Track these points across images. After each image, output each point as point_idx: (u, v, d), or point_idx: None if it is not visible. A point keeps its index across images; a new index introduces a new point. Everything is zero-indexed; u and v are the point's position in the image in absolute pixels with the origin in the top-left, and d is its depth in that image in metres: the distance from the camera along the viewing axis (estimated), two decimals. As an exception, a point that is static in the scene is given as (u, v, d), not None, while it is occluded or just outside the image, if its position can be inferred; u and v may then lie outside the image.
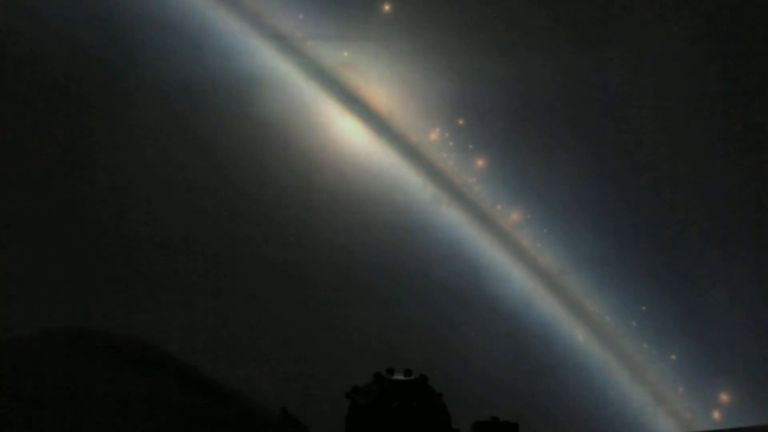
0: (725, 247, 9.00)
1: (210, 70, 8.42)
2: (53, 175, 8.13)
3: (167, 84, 8.30)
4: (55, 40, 7.94)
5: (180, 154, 8.58)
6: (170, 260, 8.67)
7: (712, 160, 9.13)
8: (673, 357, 9.34)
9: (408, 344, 8.61)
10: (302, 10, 8.63)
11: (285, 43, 8.63)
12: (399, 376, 3.43)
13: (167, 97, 8.39)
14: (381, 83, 8.94)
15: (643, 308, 9.28)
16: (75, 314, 7.01)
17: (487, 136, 9.25)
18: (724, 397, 9.06)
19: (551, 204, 9.38)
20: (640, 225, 9.28)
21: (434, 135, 9.14)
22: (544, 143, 9.68)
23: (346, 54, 8.70)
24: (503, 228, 9.37)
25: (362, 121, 8.98)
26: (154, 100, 8.38)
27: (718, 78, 8.95)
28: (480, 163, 9.32)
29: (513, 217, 9.45)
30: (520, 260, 9.40)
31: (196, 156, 8.63)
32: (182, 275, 8.47)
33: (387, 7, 8.75)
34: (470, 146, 9.32)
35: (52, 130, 8.30)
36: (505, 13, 9.00)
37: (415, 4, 8.89)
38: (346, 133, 9.04)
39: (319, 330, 8.61)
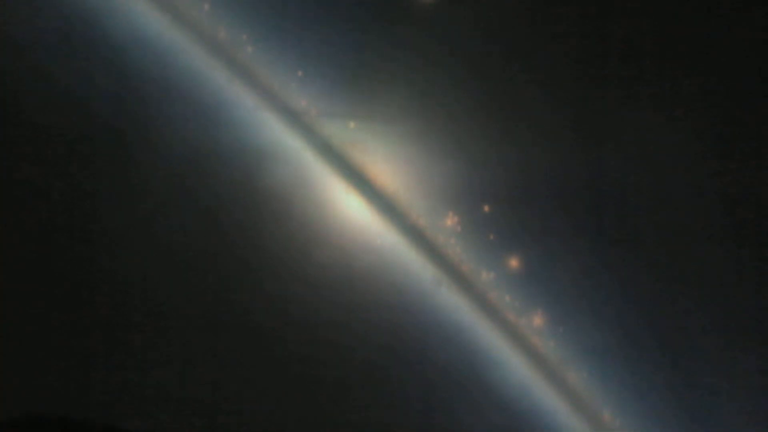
0: (728, 339, 8.94)
1: (219, 141, 8.49)
2: (53, 236, 8.09)
3: (175, 152, 8.35)
4: (64, 102, 8.02)
5: (182, 221, 8.57)
6: (164, 326, 8.53)
7: (713, 251, 9.17)
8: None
9: (405, 428, 8.40)
10: (315, 87, 8.79)
11: (295, 119, 8.75)
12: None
13: (174, 165, 8.43)
14: (387, 163, 9.03)
15: (644, 402, 9.12)
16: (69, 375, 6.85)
17: (487, 221, 9.30)
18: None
19: (553, 292, 9.35)
20: (642, 315, 9.23)
21: (449, 220, 9.19)
22: (544, 231, 9.73)
23: (352, 125, 8.81)
24: (503, 313, 9.31)
25: (367, 200, 9.02)
26: (161, 167, 8.42)
27: (720, 174, 9.11)
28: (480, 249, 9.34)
29: (506, 299, 9.40)
30: (520, 347, 9.29)
31: (198, 225, 8.61)
32: (175, 343, 8.32)
33: (396, 89, 8.94)
34: (465, 230, 9.35)
35: (55, 191, 8.30)
36: (508, 98, 9.21)
37: (423, 88, 9.08)
38: (350, 210, 9.06)
39: (314, 407, 8.41)
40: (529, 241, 9.54)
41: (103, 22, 8.00)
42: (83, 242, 8.40)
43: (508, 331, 9.36)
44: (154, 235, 8.50)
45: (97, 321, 8.34)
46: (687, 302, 9.50)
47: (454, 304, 9.30)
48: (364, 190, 9.04)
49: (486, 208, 9.41)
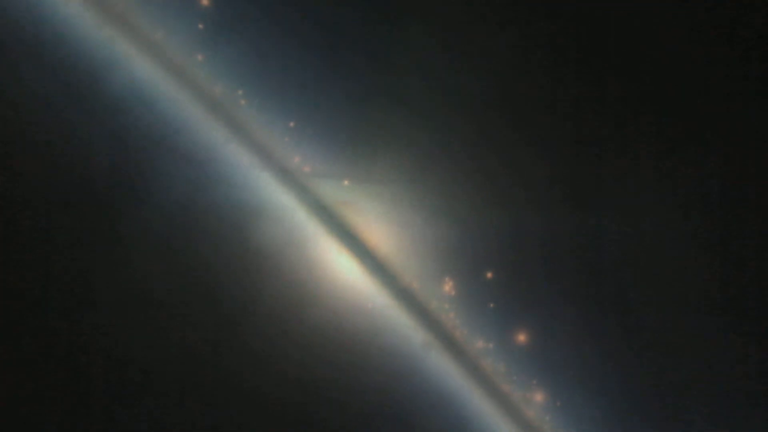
0: (725, 407, 8.83)
1: (213, 197, 8.46)
2: (47, 290, 7.99)
3: (167, 208, 8.31)
4: (61, 155, 8.00)
5: (172, 278, 8.48)
6: (155, 389, 8.39)
7: (707, 322, 9.10)
8: None
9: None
10: (310, 147, 8.81)
11: (290, 178, 8.75)
12: None
13: (165, 221, 8.38)
14: (380, 224, 9.01)
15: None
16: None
17: (477, 286, 9.23)
18: None
19: (552, 366, 9.25)
20: (636, 390, 9.13)
21: (444, 285, 9.13)
22: (537, 300, 9.67)
23: (346, 185, 8.80)
24: (492, 380, 9.19)
25: (359, 260, 8.98)
26: (152, 222, 8.37)
27: (715, 245, 9.09)
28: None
29: (501, 369, 9.29)
30: (514, 419, 9.15)
31: (187, 282, 8.53)
32: (164, 408, 8.17)
33: (392, 151, 8.96)
34: (461, 295, 9.28)
35: (46, 245, 8.23)
36: (505, 162, 9.24)
37: (416, 152, 9.11)
38: (342, 271, 9.00)
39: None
40: (527, 312, 9.46)
41: (103, 78, 8.04)
42: (73, 297, 8.29)
43: (501, 401, 9.23)
44: (142, 293, 8.41)
45: (88, 380, 8.20)
46: (682, 373, 9.40)
47: (445, 371, 9.18)
48: (356, 251, 8.99)
49: (489, 275, 9.36)
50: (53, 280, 8.15)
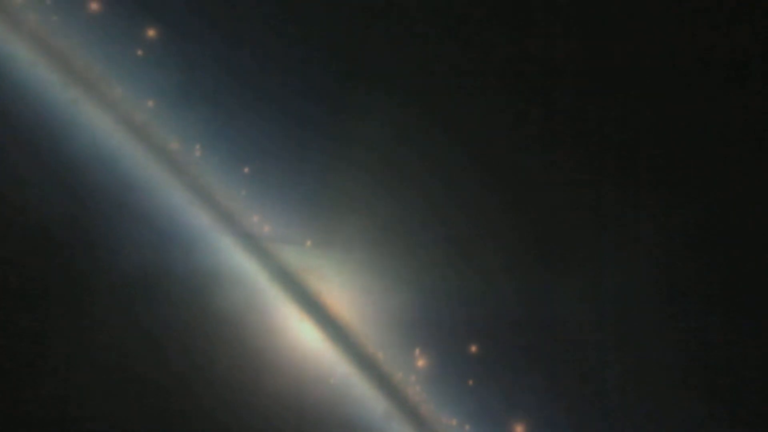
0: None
1: (172, 261, 8.33)
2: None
3: (126, 271, 8.17)
4: (16, 211, 7.89)
5: (129, 342, 8.29)
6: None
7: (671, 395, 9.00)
8: None
9: None
10: (273, 212, 8.72)
11: (251, 243, 8.64)
12: None
13: (124, 284, 8.23)
14: (343, 291, 8.87)
15: None
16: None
17: (442, 353, 9.07)
18: None
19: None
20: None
21: (412, 357, 8.97)
22: (506, 367, 9.49)
23: (309, 243, 8.69)
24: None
25: (320, 328, 8.81)
26: (111, 284, 8.22)
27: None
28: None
29: (466, 429, 9.08)
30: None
31: (144, 345, 8.33)
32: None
33: (355, 216, 8.88)
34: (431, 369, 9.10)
35: (3, 309, 8.06)
36: (474, 225, 9.17)
37: (384, 217, 9.03)
38: (303, 338, 8.82)
39: None
40: (491, 381, 9.29)
41: (64, 138, 7.98)
42: (27, 359, 8.09)
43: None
44: (98, 356, 8.21)
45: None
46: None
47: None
48: (318, 318, 8.83)
49: (473, 349, 9.20)
50: (7, 341, 7.96)
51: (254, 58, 8.54)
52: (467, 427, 9.23)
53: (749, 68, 9.02)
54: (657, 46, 9.15)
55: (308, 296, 8.78)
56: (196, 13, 8.29)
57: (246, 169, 8.43)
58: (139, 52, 7.97)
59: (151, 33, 8.06)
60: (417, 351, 9.04)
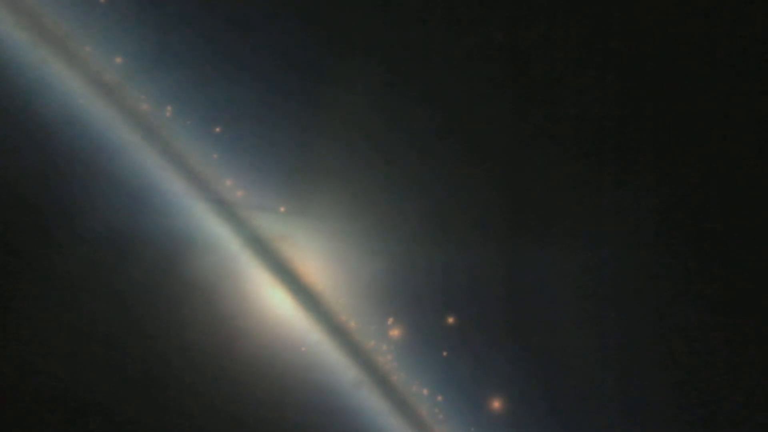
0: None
1: (143, 225, 8.28)
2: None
3: (96, 233, 8.13)
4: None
5: (99, 307, 8.27)
6: (77, 424, 8.16)
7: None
8: None
9: None
10: (248, 179, 8.65)
11: (225, 209, 8.58)
12: None
13: (95, 248, 8.20)
14: (316, 259, 8.83)
15: None
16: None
17: (417, 323, 9.06)
18: None
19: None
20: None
21: (384, 325, 8.95)
22: (483, 340, 9.49)
23: (282, 210, 8.64)
24: (424, 417, 8.98)
25: (292, 295, 8.78)
26: (82, 248, 8.18)
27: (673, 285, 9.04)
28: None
29: (438, 399, 9.11)
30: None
31: (115, 310, 8.31)
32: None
33: (331, 186, 8.82)
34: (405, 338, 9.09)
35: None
36: (453, 196, 9.12)
37: (360, 185, 8.97)
38: (275, 305, 8.80)
39: None
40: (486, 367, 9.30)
41: (34, 99, 7.89)
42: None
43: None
44: (69, 320, 8.19)
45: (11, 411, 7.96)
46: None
47: (377, 409, 8.97)
48: (291, 286, 8.80)
49: (450, 320, 9.18)
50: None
51: (230, 21, 8.42)
52: (440, 397, 9.24)
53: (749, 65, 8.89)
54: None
55: (281, 263, 8.74)
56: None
57: (218, 129, 8.31)
58: (110, 11, 7.85)
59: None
60: (390, 320, 9.02)
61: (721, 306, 9.30)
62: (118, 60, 7.93)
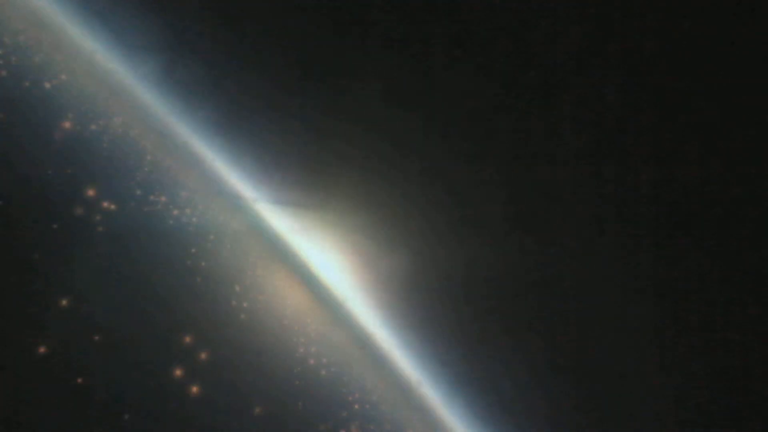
0: None
1: (163, 220, 8.24)
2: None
3: (114, 227, 8.08)
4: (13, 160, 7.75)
5: (119, 300, 8.22)
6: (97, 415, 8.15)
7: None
8: None
9: None
10: (266, 174, 8.61)
11: (244, 204, 8.54)
12: None
13: (117, 243, 8.13)
14: (334, 253, 8.80)
15: None
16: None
17: (420, 316, 9.04)
18: None
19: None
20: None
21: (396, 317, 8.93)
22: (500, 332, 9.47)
23: (301, 213, 8.60)
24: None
25: (309, 288, 8.78)
26: (104, 244, 8.11)
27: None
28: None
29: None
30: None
31: (135, 304, 8.26)
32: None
33: (344, 188, 8.75)
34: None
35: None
36: (471, 192, 9.03)
37: (373, 181, 8.89)
38: (293, 299, 8.79)
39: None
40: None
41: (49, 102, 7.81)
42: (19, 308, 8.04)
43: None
44: (88, 313, 8.16)
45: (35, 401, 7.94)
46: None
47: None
48: (307, 278, 8.79)
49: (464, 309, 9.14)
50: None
51: (245, 18, 8.32)
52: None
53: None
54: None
55: (298, 258, 8.72)
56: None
57: (236, 124, 8.26)
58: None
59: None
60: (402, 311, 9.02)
61: (721, 306, 9.26)
62: (134, 59, 7.88)
